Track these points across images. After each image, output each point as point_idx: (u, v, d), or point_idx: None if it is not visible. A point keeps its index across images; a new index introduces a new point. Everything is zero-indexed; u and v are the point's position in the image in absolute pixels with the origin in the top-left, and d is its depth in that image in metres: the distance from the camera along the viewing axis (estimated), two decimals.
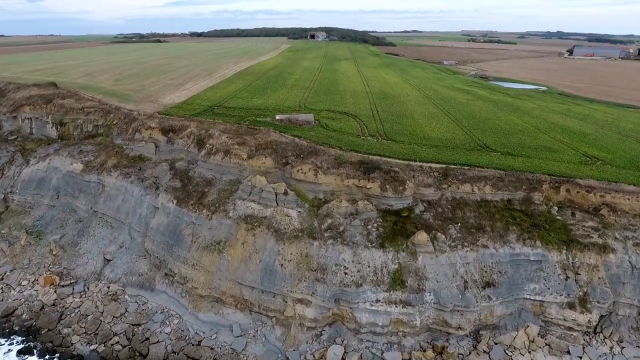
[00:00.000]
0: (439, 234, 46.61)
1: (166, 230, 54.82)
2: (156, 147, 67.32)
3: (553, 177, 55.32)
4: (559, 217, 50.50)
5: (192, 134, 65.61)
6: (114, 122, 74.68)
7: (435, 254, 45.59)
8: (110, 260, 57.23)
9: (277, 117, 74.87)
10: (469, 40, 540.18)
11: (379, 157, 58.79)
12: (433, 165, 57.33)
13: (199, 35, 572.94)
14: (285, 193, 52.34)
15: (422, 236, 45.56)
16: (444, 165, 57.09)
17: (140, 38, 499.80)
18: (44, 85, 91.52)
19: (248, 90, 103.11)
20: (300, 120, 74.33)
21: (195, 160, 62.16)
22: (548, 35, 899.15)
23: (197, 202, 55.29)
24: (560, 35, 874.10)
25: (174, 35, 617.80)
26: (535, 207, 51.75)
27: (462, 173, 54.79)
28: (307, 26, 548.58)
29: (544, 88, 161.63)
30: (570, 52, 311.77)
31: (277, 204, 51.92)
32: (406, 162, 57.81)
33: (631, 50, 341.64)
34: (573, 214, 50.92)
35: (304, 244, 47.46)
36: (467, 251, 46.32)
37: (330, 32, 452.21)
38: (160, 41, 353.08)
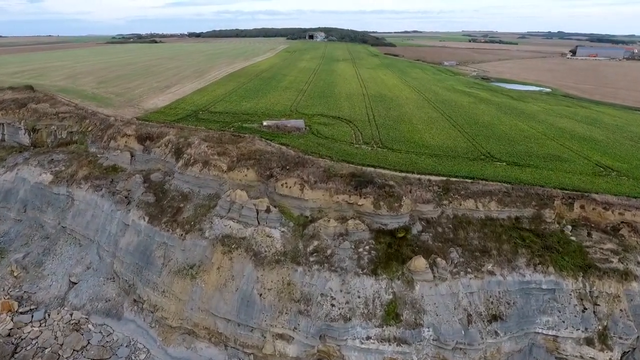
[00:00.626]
0: (438, 259, 41.15)
1: (136, 251, 49.43)
2: (132, 156, 61.96)
3: (565, 191, 49.84)
4: (573, 238, 45.02)
5: (170, 142, 60.26)
6: (89, 129, 69.38)
7: (435, 282, 40.15)
8: (75, 284, 51.83)
9: (265, 123, 69.50)
10: (470, 41, 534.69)
11: (373, 169, 53.37)
12: (432, 177, 51.90)
13: (198, 35, 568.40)
14: (268, 210, 46.91)
15: (419, 262, 40.12)
16: (444, 178, 51.64)
17: (138, 38, 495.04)
18: (20, 88, 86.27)
19: (238, 93, 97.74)
20: (289, 126, 68.94)
21: (172, 171, 56.79)
22: (549, 35, 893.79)
23: (170, 220, 49.87)
24: (561, 35, 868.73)
25: (172, 36, 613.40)
26: (547, 226, 46.27)
27: (465, 187, 49.34)
28: (307, 26, 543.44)
29: (548, 90, 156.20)
30: (574, 52, 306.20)
31: (259, 223, 46.51)
32: (403, 175, 52.39)
33: (635, 51, 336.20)
34: (589, 234, 45.45)
35: (286, 269, 42.03)
36: (470, 279, 40.87)
37: (329, 32, 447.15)
38: (156, 42, 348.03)
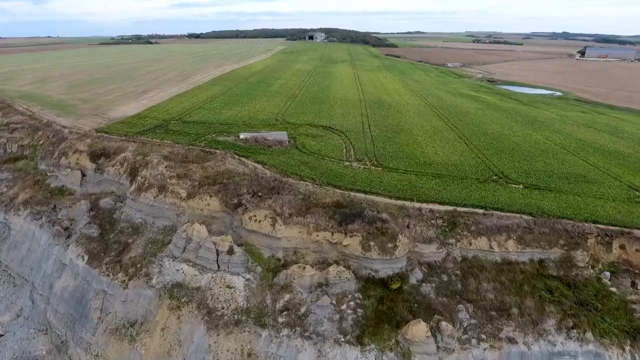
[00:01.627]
0: (443, 322, 31.82)
1: (71, 298, 40.38)
2: (83, 176, 52.97)
3: (600, 226, 40.42)
4: (614, 289, 35.66)
5: (127, 160, 51.16)
6: (41, 142, 60.41)
7: (439, 355, 30.82)
8: (1, 336, 42.74)
9: (242, 135, 60.33)
10: (474, 41, 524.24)
11: (363, 195, 44.12)
12: (436, 207, 42.59)
13: (197, 36, 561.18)
14: (231, 251, 37.72)
15: (419, 328, 30.80)
16: (450, 208, 42.36)
17: (137, 39, 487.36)
18: None
19: (220, 100, 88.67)
20: (270, 139, 59.78)
21: (125, 196, 47.70)
22: (554, 36, 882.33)
23: (114, 260, 40.73)
24: (565, 35, 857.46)
25: (172, 37, 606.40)
26: (579, 272, 36.92)
27: (476, 221, 39.99)
28: (309, 27, 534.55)
29: (559, 93, 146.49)
30: (582, 53, 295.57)
31: (219, 267, 37.35)
32: (400, 203, 43.10)
33: None
34: (634, 284, 36.09)
35: (247, 334, 32.77)
36: (485, 349, 31.51)
37: (330, 33, 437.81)
38: (151, 43, 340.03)
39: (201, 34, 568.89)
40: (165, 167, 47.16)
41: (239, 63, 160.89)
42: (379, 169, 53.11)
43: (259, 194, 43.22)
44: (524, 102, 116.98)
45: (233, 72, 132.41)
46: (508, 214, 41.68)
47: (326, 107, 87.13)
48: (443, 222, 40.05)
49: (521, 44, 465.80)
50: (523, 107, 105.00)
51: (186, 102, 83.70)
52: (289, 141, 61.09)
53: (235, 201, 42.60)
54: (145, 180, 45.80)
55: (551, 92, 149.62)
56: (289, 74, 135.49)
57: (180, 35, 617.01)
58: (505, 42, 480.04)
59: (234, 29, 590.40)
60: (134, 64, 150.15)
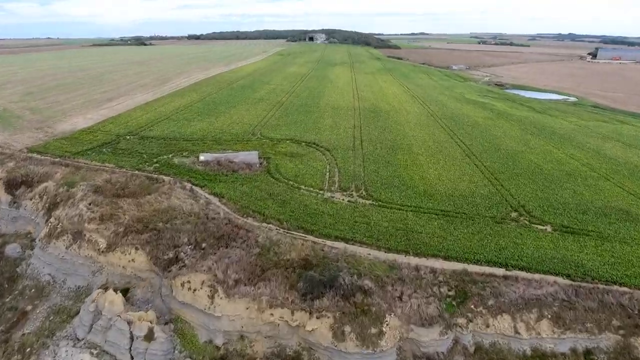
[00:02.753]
0: None
1: None
2: None
3: None
4: None
5: (47, 192, 40.51)
6: None
7: None
8: None
9: (202, 157, 49.48)
10: (479, 43, 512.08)
11: (343, 246, 33.26)
12: (439, 264, 31.61)
13: (197, 38, 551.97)
14: (150, 336, 26.95)
15: None
16: (458, 266, 31.36)
17: (136, 41, 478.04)
18: None
19: (194, 109, 78.01)
20: (236, 162, 48.92)
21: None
22: (560, 37, 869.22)
23: (0, 339, 29.98)
24: (572, 37, 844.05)
25: (172, 38, 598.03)
26: None
27: (494, 290, 28.95)
28: (311, 28, 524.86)
29: (573, 99, 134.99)
30: (594, 55, 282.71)
31: (132, 359, 26.48)
32: (391, 258, 32.19)
33: None
34: None
35: None
36: None
37: (331, 34, 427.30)
38: (145, 44, 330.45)
39: (201, 35, 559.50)
40: (89, 204, 36.41)
41: (228, 66, 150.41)
42: (367, 202, 42.12)
43: (203, 245, 32.42)
44: (536, 109, 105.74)
45: (219, 75, 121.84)
46: (537, 276, 30.62)
47: (314, 118, 76.27)
48: (449, 290, 29.07)
49: (528, 46, 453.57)
50: (537, 116, 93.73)
51: (153, 112, 73.10)
52: (260, 163, 50.23)
53: (170, 255, 31.81)
54: (58, 223, 35.13)
55: (564, 97, 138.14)
56: (280, 78, 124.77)
57: (181, 36, 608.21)
58: (511, 44, 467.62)
59: (235, 30, 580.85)
60: (113, 67, 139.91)
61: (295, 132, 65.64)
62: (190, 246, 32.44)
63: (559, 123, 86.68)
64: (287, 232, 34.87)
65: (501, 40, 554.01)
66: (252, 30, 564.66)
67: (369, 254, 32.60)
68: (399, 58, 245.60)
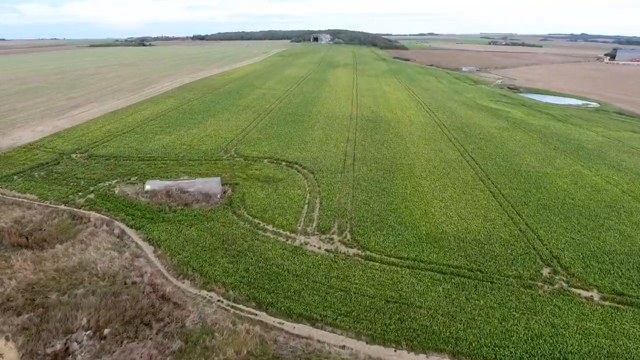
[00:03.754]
0: None
1: None
2: None
3: None
4: None
5: None
6: None
7: None
8: None
9: (148, 186, 39.75)
10: (490, 43, 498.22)
11: (307, 331, 23.33)
12: None
13: (202, 38, 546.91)
14: None
15: None
16: None
17: (138, 41, 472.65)
18: None
19: (166, 118, 68.55)
20: (192, 192, 39.17)
21: None
22: (572, 37, 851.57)
23: None
24: (585, 37, 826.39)
25: (177, 38, 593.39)
26: None
27: None
28: (317, 29, 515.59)
29: (594, 104, 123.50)
30: (612, 56, 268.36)
31: None
32: (375, 356, 22.11)
33: None
34: None
35: None
36: None
37: (337, 34, 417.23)
38: (145, 44, 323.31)
39: (206, 35, 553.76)
40: None
41: (221, 68, 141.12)
42: (351, 251, 32.08)
43: (105, 332, 22.63)
44: (556, 116, 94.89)
45: (207, 79, 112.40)
46: None
47: (303, 129, 66.41)
48: None
49: (540, 46, 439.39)
50: (558, 126, 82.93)
51: (116, 122, 63.79)
52: (223, 193, 40.41)
53: (57, 347, 22.07)
54: None
55: (585, 102, 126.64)
56: (274, 81, 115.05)
57: (186, 37, 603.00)
58: (523, 44, 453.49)
59: (240, 31, 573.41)
60: (97, 69, 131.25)
61: (277, 148, 55.81)
62: (87, 332, 22.73)
63: (585, 134, 75.79)
64: (232, 307, 25.00)
65: (512, 41, 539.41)
66: (257, 31, 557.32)
67: (343, 347, 22.57)
68: (405, 59, 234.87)
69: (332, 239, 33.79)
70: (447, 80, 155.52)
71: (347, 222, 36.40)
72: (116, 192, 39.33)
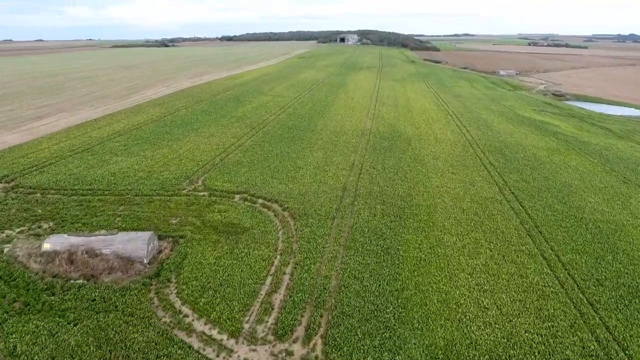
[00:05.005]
0: None
1: None
2: None
3: None
4: None
5: None
6: None
7: None
8: None
9: (46, 245, 27.82)
10: (529, 44, 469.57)
11: None
12: None
13: (230, 39, 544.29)
14: None
15: None
16: None
17: (165, 42, 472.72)
18: None
19: (138, 134, 57.58)
20: (106, 254, 27.30)
21: None
22: (620, 38, 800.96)
23: None
24: (633, 38, 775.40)
25: (208, 39, 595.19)
26: None
27: None
28: (348, 29, 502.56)
29: None
30: None
31: None
32: None
33: None
34: None
35: None
36: None
37: (366, 35, 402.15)
38: (166, 45, 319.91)
39: (234, 36, 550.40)
40: None
41: (232, 70, 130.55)
42: None
43: None
44: (616, 132, 78.63)
45: (210, 83, 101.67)
46: None
47: (299, 149, 53.95)
48: None
49: (586, 47, 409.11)
50: (621, 145, 67.00)
51: (75, 139, 53.30)
52: (152, 256, 28.37)
53: None
54: None
55: None
56: (284, 86, 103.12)
57: (215, 37, 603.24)
58: (566, 45, 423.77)
59: (269, 32, 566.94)
60: (93, 72, 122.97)
61: (258, 178, 43.54)
62: None
63: None
64: None
65: (554, 42, 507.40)
66: (286, 32, 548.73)
67: None
68: (436, 61, 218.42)
69: (290, 354, 21.12)
70: (483, 86, 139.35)
71: (321, 318, 23.63)
72: (5, 250, 28.06)
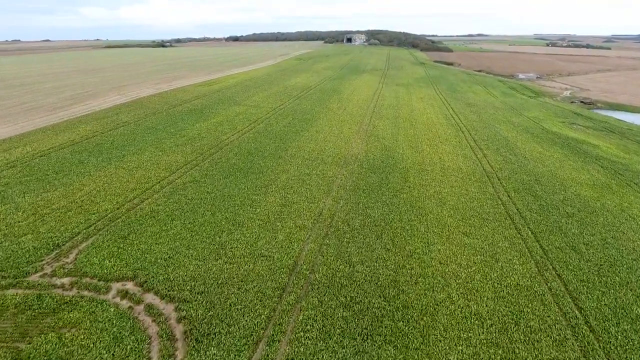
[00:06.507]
0: None
1: None
2: None
3: None
4: None
5: None
6: None
7: None
8: None
9: None
10: (548, 45, 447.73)
11: None
12: None
13: (236, 39, 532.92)
14: None
15: None
16: None
17: (176, 42, 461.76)
18: None
19: (39, 163, 43.04)
20: None
21: None
22: None
23: None
24: None
25: (213, 39, 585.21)
26: None
27: None
28: (360, 29, 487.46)
29: None
30: None
31: None
32: None
33: None
34: None
35: None
36: None
37: (375, 35, 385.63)
38: (164, 46, 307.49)
39: (240, 36, 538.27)
40: None
41: (211, 75, 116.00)
42: None
43: None
44: None
45: (177, 90, 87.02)
46: None
47: (249, 190, 38.79)
48: None
49: (609, 48, 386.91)
50: None
51: None
52: None
53: None
54: None
55: None
56: (266, 94, 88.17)
57: (221, 38, 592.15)
58: (587, 46, 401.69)
59: (276, 32, 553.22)
60: (39, 76, 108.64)
61: (164, 249, 28.55)
62: None
63: None
64: None
65: (573, 42, 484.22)
66: (294, 32, 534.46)
67: None
68: (448, 64, 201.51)
69: None
70: (500, 92, 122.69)
71: None
72: None
